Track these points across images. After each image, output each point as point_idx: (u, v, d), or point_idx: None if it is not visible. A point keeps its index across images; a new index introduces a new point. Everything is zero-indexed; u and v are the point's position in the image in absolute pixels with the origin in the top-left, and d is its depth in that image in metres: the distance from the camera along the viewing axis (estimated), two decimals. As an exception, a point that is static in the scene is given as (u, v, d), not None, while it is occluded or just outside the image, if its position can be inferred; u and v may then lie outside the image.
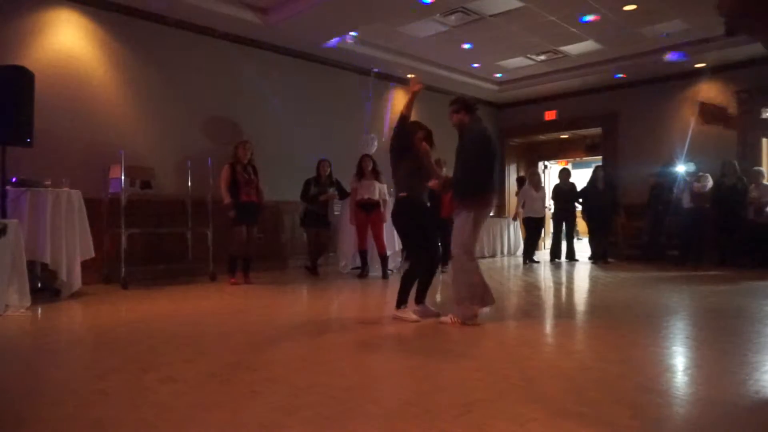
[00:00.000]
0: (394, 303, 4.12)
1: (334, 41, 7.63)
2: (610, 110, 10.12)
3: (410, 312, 4.04)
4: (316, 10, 6.56)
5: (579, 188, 9.29)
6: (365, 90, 8.89)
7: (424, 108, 9.92)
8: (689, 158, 8.76)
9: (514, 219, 9.93)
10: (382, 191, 6.83)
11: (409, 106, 4.09)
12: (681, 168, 8.65)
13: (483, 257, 9.86)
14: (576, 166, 12.67)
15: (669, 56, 8.21)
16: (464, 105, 4.03)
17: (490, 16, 7.13)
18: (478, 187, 3.91)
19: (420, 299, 4.24)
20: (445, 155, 10.05)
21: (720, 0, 1.74)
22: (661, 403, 2.23)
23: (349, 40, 7.76)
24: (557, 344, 3.46)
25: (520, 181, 10.07)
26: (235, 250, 6.09)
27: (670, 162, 8.79)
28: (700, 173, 8.26)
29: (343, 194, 7.07)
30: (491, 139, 4.00)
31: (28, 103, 4.69)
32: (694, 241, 8.24)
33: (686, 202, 8.25)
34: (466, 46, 8.37)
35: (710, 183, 8.12)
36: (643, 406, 2.19)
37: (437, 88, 10.09)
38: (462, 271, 3.93)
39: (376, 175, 6.85)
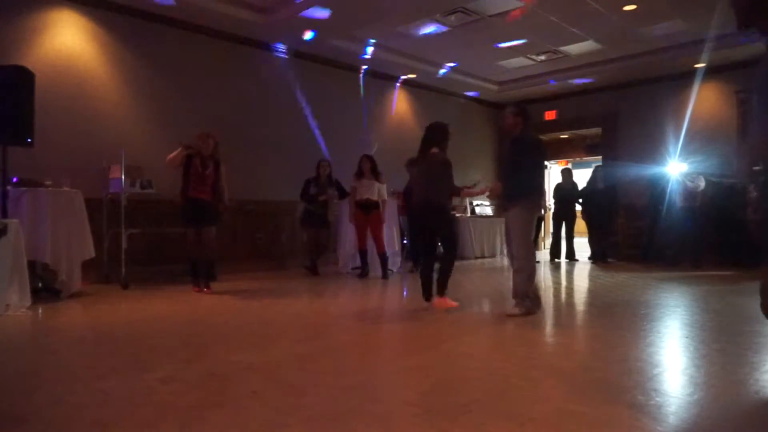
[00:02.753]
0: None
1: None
2: (610, 110, 10.12)
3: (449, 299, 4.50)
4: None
5: (580, 188, 9.31)
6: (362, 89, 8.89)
7: (425, 108, 9.95)
8: (687, 158, 8.76)
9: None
10: (381, 191, 6.83)
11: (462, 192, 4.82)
12: (677, 168, 8.66)
13: (483, 257, 9.86)
14: (576, 166, 12.66)
15: None
16: (524, 112, 4.32)
17: (490, 16, 7.13)
18: (538, 189, 4.32)
19: (440, 292, 4.53)
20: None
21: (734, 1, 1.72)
22: (661, 403, 2.23)
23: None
24: (557, 344, 3.46)
25: None
26: (188, 253, 5.53)
27: (666, 162, 8.81)
28: (694, 173, 8.26)
29: (342, 194, 7.07)
30: (543, 145, 4.48)
31: (28, 103, 4.68)
32: (689, 241, 8.24)
33: (679, 201, 8.27)
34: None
35: (703, 183, 8.13)
36: (643, 406, 2.19)
37: (437, 88, 10.10)
38: (529, 268, 4.22)
39: (375, 175, 6.85)
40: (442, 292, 4.47)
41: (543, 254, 10.19)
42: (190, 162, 5.31)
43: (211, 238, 5.40)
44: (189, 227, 5.36)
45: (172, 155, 5.34)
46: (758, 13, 1.64)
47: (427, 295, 4.53)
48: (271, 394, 2.33)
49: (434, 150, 4.47)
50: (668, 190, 8.43)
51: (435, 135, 4.51)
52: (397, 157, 8.03)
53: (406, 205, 7.50)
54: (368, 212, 6.73)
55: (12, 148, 4.72)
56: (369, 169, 6.80)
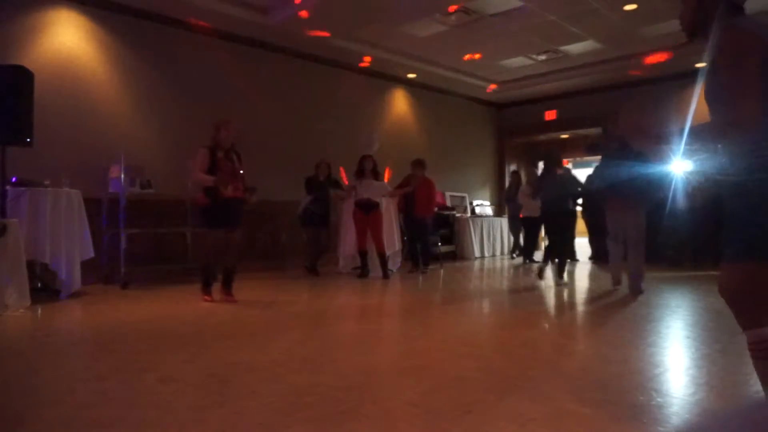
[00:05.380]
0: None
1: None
2: (610, 110, 10.10)
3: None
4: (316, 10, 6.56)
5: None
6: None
7: (425, 108, 9.94)
8: (687, 158, 8.73)
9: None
10: (381, 191, 6.83)
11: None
12: (677, 168, 8.63)
13: (482, 257, 9.86)
14: (576, 166, 12.66)
15: None
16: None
17: (490, 16, 7.13)
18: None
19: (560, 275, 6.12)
20: (444, 155, 9.98)
21: (681, 15, 1.97)
22: (661, 403, 2.23)
23: None
24: (557, 344, 3.45)
25: (514, 176, 10.16)
26: (209, 259, 4.89)
27: (665, 161, 8.78)
28: (694, 173, 8.25)
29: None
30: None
31: (28, 103, 4.68)
32: (690, 240, 8.23)
33: (680, 201, 8.26)
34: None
35: (703, 183, 8.12)
36: (643, 406, 2.19)
37: (437, 87, 10.10)
38: None
39: (375, 175, 6.85)
40: (561, 275, 6.09)
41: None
42: (214, 159, 4.67)
43: (239, 240, 4.90)
44: (218, 230, 4.70)
45: (203, 179, 4.65)
46: (698, 29, 1.92)
47: (541, 275, 6.33)
48: (271, 394, 2.33)
49: (559, 170, 6.31)
50: (668, 190, 8.41)
51: (555, 158, 6.49)
52: (398, 157, 8.03)
53: (406, 207, 7.50)
54: (368, 212, 6.73)
55: (11, 148, 4.73)
56: (370, 169, 6.80)
